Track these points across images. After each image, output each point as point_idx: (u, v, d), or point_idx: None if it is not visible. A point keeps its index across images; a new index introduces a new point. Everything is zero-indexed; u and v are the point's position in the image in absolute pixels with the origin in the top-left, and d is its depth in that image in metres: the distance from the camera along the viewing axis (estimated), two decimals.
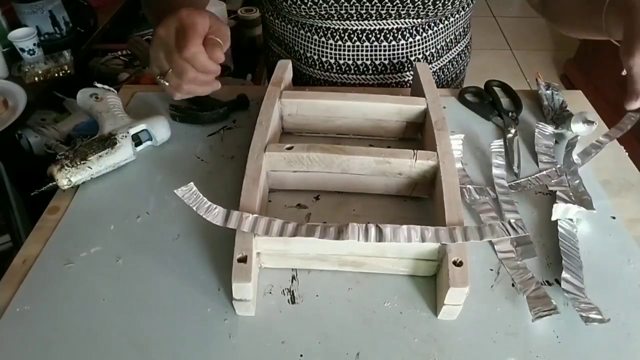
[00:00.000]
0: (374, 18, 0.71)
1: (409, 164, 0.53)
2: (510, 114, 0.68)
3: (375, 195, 0.57)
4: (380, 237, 0.44)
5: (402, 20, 0.72)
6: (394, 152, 0.53)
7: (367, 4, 0.69)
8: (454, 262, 0.43)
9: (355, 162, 0.54)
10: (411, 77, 0.80)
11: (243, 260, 0.44)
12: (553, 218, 0.52)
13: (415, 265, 0.48)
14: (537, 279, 0.47)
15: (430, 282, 0.48)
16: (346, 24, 0.73)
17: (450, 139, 0.55)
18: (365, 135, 0.65)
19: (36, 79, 1.29)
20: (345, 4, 0.69)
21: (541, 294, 0.45)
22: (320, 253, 0.48)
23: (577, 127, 0.64)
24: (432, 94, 0.61)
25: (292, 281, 0.49)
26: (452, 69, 0.84)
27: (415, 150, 0.53)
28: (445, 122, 0.57)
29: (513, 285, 0.48)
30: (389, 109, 0.61)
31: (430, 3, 0.68)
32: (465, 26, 0.82)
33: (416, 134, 0.64)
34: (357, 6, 0.69)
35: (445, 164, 0.52)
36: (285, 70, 0.66)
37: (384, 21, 0.72)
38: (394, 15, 0.71)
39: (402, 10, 0.69)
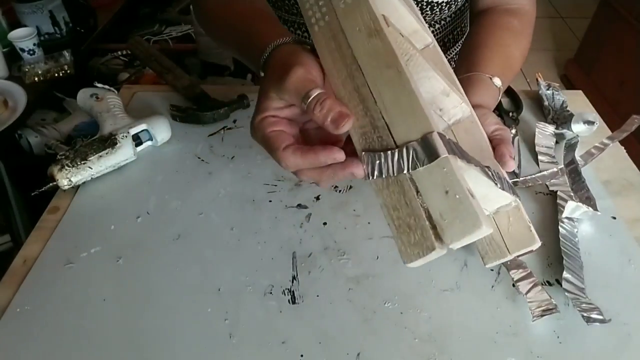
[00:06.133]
0: None
1: None
2: (510, 114, 0.68)
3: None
4: None
5: None
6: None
7: None
8: None
9: None
10: None
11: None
12: (564, 215, 0.52)
13: None
14: (537, 278, 0.47)
15: (430, 282, 0.48)
16: None
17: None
18: None
19: (36, 79, 1.29)
20: None
21: (541, 293, 0.45)
22: None
23: (578, 127, 0.64)
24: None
25: (292, 281, 0.49)
26: None
27: None
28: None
29: (513, 285, 0.48)
30: None
31: (428, 8, 0.68)
32: (462, 26, 0.82)
33: None
34: None
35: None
36: None
37: None
38: None
39: None
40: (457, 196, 0.28)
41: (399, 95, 0.31)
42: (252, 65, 0.47)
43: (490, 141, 0.45)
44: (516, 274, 0.48)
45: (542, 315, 0.43)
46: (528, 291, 0.46)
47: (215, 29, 0.57)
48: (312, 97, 0.34)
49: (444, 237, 0.28)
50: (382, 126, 0.32)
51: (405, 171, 0.30)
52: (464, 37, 0.84)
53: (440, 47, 0.78)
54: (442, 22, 0.75)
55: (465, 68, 0.56)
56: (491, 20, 0.62)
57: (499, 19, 0.62)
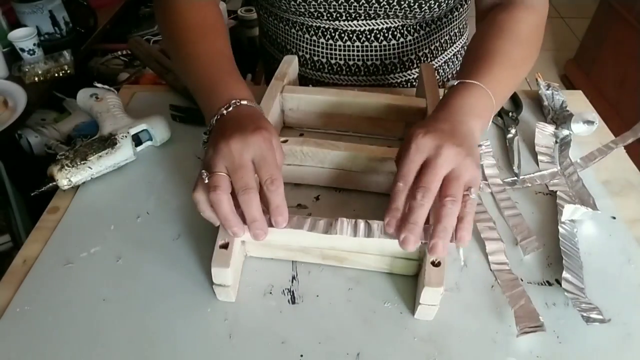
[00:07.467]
0: (362, 18, 0.71)
1: None
2: (510, 114, 0.68)
3: (376, 195, 0.57)
4: (369, 232, 0.45)
5: (391, 20, 0.71)
6: (387, 151, 0.53)
7: (355, 3, 0.69)
8: (432, 263, 0.43)
9: (348, 159, 0.54)
10: (403, 79, 0.80)
11: (224, 246, 0.45)
12: (563, 219, 0.52)
13: (396, 264, 0.48)
14: (528, 294, 0.46)
15: None
16: (336, 24, 0.72)
17: None
18: (365, 134, 0.65)
19: (36, 79, 1.29)
20: (334, 2, 0.69)
21: (529, 309, 0.44)
22: (303, 245, 0.48)
23: (577, 127, 0.64)
24: (432, 95, 0.61)
25: (292, 281, 0.49)
26: (447, 70, 0.84)
27: None
28: None
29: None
30: (388, 108, 0.61)
31: (416, 5, 0.67)
32: (460, 27, 0.82)
33: None
34: (345, 5, 0.69)
35: None
36: (290, 65, 0.66)
37: (373, 21, 0.72)
38: (382, 15, 0.70)
39: (390, 11, 0.69)
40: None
41: None
42: (199, 100, 0.55)
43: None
44: (506, 287, 0.47)
45: (527, 332, 0.42)
46: (516, 305, 0.45)
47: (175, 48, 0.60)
48: (276, 176, 0.45)
49: None
50: None
51: None
52: (463, 37, 0.84)
53: (427, 54, 0.79)
54: (438, 22, 0.75)
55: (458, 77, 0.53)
56: (492, 24, 0.59)
57: (500, 19, 0.58)
